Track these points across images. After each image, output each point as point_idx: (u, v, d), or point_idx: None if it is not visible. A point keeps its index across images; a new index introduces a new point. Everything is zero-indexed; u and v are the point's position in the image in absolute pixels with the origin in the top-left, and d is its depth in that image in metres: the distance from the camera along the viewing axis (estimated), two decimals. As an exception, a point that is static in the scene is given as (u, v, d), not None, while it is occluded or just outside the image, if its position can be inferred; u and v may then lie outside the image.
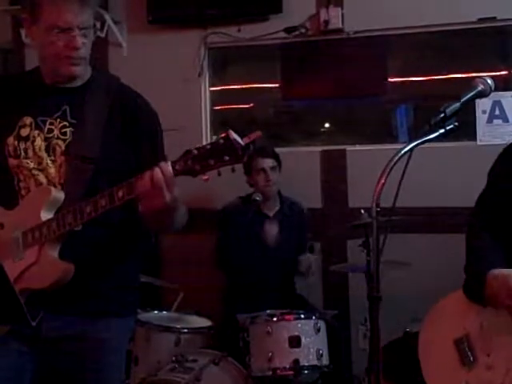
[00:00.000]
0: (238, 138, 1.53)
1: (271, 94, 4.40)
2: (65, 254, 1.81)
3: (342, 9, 4.01)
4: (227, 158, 1.54)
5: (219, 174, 1.57)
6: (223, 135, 1.55)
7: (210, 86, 4.36)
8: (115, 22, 4.26)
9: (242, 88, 4.45)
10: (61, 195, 1.84)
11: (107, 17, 4.19)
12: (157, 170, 1.62)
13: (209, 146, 1.55)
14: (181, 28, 4.24)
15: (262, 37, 4.12)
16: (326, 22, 4.01)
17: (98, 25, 4.24)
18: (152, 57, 4.27)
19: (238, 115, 4.50)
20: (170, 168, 1.62)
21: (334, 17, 3.99)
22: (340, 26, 4.01)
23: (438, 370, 1.97)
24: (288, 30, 4.09)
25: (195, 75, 4.26)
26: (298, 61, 4.26)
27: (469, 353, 1.91)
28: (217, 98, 4.40)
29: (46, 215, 1.81)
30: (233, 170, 1.57)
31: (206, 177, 1.57)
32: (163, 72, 4.24)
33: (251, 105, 4.47)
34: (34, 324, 1.83)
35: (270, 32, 4.10)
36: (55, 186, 1.88)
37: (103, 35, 4.28)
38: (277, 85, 4.36)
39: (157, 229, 1.82)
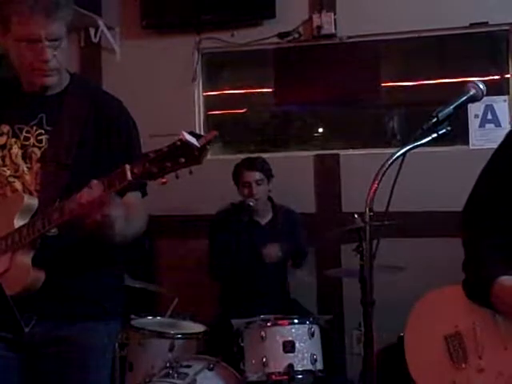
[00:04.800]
0: (193, 140, 1.51)
1: (265, 99, 4.41)
2: (43, 259, 1.81)
3: (335, 14, 4.03)
4: (183, 160, 1.52)
5: (177, 177, 1.55)
6: (179, 137, 1.53)
7: (203, 91, 4.37)
8: (108, 28, 4.26)
9: (236, 93, 4.46)
10: (34, 202, 1.84)
11: (100, 22, 4.19)
12: (84, 192, 1.64)
13: (166, 149, 1.54)
14: (174, 33, 4.25)
15: (256, 42, 4.13)
16: (319, 28, 4.02)
17: (92, 30, 4.26)
18: (145, 62, 4.27)
19: (232, 120, 4.51)
20: (99, 187, 1.62)
21: (326, 22, 4.01)
22: (333, 31, 4.03)
23: (425, 365, 1.95)
24: (281, 36, 4.11)
25: (189, 80, 4.26)
26: (291, 66, 4.27)
27: (460, 352, 1.89)
28: (210, 103, 4.41)
29: (19, 222, 1.81)
30: (190, 172, 1.54)
31: (164, 180, 1.55)
32: (157, 77, 4.24)
33: (245, 110, 4.47)
34: (27, 330, 1.84)
35: (263, 37, 4.11)
36: (31, 193, 1.88)
37: (96, 40, 4.29)
38: (270, 90, 4.37)
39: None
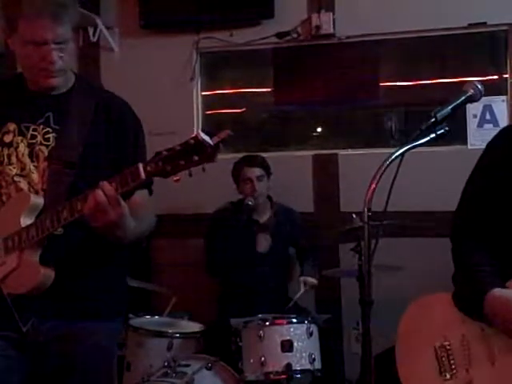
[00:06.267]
0: (207, 138, 1.54)
1: (263, 99, 4.41)
2: (48, 258, 1.81)
3: (334, 14, 4.03)
4: (197, 157, 1.55)
5: (190, 175, 1.57)
6: (193, 136, 1.55)
7: (202, 91, 4.37)
8: (107, 27, 4.26)
9: (234, 92, 4.46)
10: (40, 201, 1.85)
11: (99, 21, 4.19)
12: (98, 192, 1.64)
13: (179, 147, 1.56)
14: (173, 33, 4.24)
15: (254, 42, 4.13)
16: (318, 27, 4.02)
17: (91, 30, 4.26)
18: (144, 61, 4.27)
19: (230, 120, 4.50)
20: (111, 187, 1.63)
21: (325, 22, 4.01)
22: (331, 31, 4.03)
23: (415, 375, 1.93)
24: (280, 35, 4.10)
25: (187, 80, 4.26)
26: (290, 66, 4.27)
27: (447, 364, 1.87)
28: (209, 103, 4.40)
29: (25, 221, 1.82)
30: (203, 170, 1.57)
31: (176, 177, 1.57)
32: (155, 76, 4.24)
33: (243, 109, 4.47)
34: (24, 330, 1.84)
35: (261, 37, 4.11)
36: (37, 192, 1.89)
37: (95, 40, 4.28)
38: (269, 89, 4.37)
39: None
